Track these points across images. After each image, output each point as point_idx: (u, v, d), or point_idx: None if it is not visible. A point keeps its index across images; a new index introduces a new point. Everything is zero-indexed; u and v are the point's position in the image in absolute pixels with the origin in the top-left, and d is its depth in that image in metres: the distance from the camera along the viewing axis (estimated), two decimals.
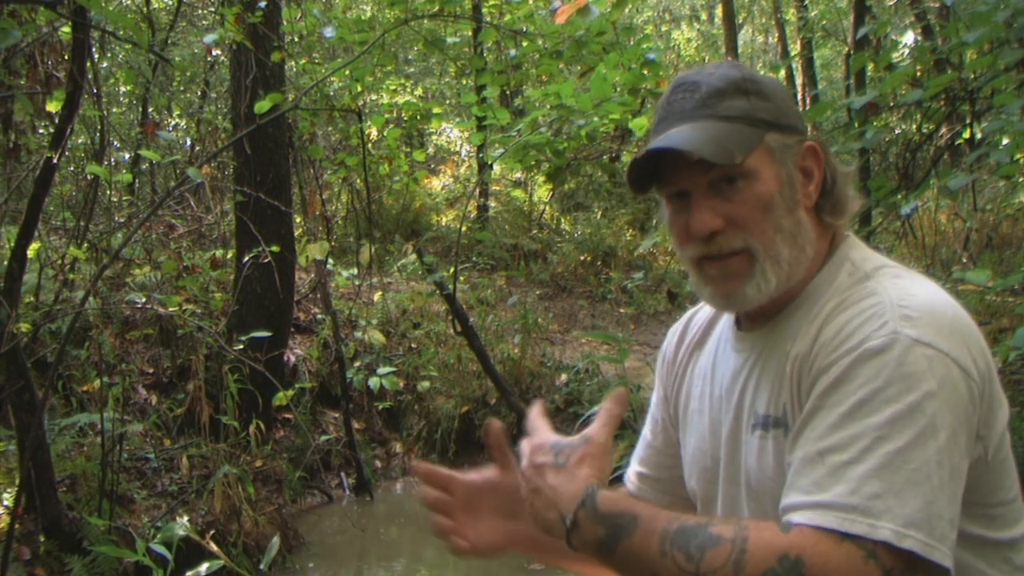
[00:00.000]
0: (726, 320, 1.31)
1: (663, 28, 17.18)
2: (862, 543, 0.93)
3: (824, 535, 0.95)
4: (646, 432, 1.46)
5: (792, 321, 1.17)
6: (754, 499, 1.18)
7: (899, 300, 1.05)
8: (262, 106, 4.27)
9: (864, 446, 0.97)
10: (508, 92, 9.81)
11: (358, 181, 8.77)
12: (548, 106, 4.83)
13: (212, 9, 8.71)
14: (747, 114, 1.14)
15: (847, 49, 10.31)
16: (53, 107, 4.84)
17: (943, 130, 5.15)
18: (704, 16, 18.93)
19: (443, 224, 11.39)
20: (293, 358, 6.46)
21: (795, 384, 1.11)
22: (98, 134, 6.81)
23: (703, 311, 1.40)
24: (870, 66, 6.68)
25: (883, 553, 0.93)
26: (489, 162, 6.94)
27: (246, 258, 5.51)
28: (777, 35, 16.10)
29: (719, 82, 1.16)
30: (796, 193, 1.16)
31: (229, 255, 6.66)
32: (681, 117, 1.16)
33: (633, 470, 1.46)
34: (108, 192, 7.04)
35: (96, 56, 6.96)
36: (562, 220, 11.85)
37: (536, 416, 1.20)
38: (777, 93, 1.19)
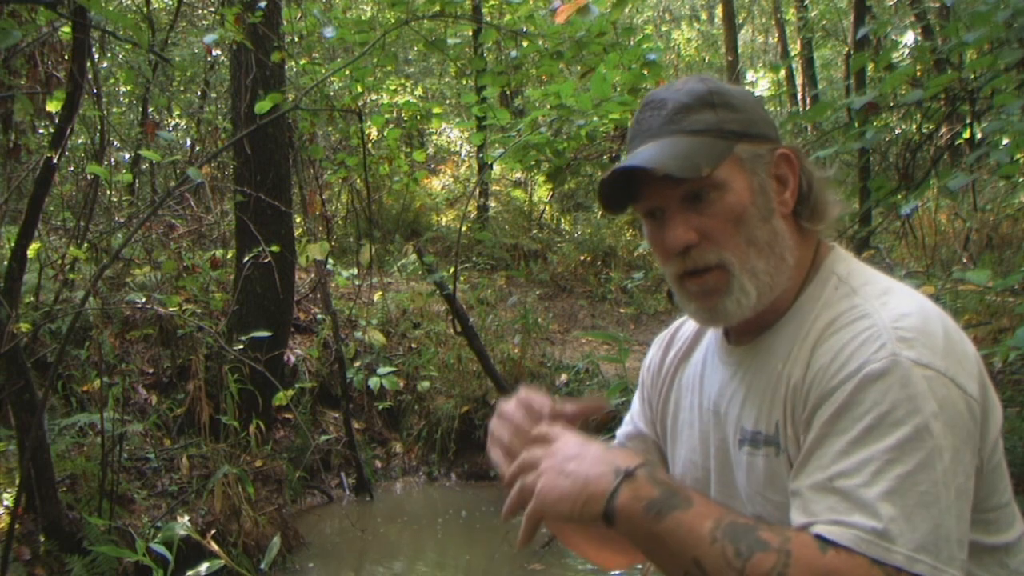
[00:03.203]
0: (714, 332, 1.31)
1: (663, 28, 17.18)
2: (888, 570, 0.94)
3: (856, 556, 0.95)
4: (621, 436, 1.46)
5: (780, 337, 1.17)
6: (745, 512, 1.19)
7: (892, 321, 1.05)
8: (262, 106, 4.27)
9: (874, 470, 0.98)
10: (508, 92, 9.82)
11: (358, 181, 8.77)
12: (548, 106, 4.83)
13: (212, 9, 8.71)
14: (715, 127, 1.15)
15: (847, 49, 10.31)
16: (53, 107, 4.84)
17: (943, 130, 5.15)
18: (704, 16, 18.93)
19: (443, 224, 11.40)
20: (293, 358, 6.46)
21: (789, 407, 1.11)
22: (98, 134, 6.81)
23: (690, 321, 1.39)
24: (870, 66, 6.68)
25: None
26: (489, 162, 6.94)
27: (246, 258, 5.51)
28: (777, 35, 16.11)
29: (685, 97, 1.17)
30: (770, 202, 1.16)
31: (229, 255, 6.66)
32: (649, 135, 1.16)
33: None
34: (108, 192, 7.04)
35: (96, 56, 6.96)
36: (562, 220, 11.86)
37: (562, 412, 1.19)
38: (746, 103, 1.19)
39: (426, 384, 6.84)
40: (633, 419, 1.45)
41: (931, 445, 0.98)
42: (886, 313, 1.07)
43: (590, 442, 1.08)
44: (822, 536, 0.97)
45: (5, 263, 4.27)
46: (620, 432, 1.47)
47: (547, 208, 11.96)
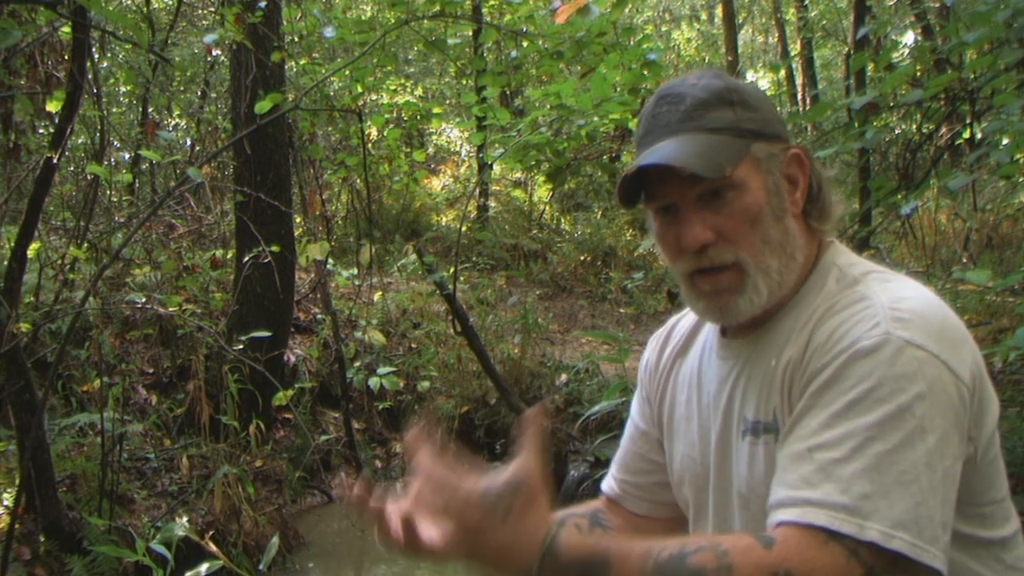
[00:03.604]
0: (710, 327, 1.31)
1: (663, 28, 17.17)
2: (847, 542, 0.93)
3: (810, 535, 0.94)
4: (625, 438, 1.46)
5: (780, 328, 1.17)
6: (744, 506, 1.18)
7: (890, 303, 1.05)
8: (262, 106, 4.27)
9: (854, 445, 0.97)
10: (508, 92, 9.82)
11: (358, 181, 8.77)
12: (548, 106, 4.83)
13: (212, 9, 8.71)
14: (733, 125, 1.14)
15: (847, 49, 10.31)
16: (53, 107, 4.84)
17: (943, 130, 5.15)
18: (704, 16, 18.93)
19: (443, 224, 11.40)
20: (293, 358, 6.46)
21: (787, 388, 1.11)
22: (98, 134, 6.81)
23: (686, 318, 1.40)
24: (870, 66, 6.68)
25: (866, 552, 0.93)
26: (489, 162, 6.94)
27: (246, 258, 5.50)
28: (777, 35, 16.10)
29: (703, 93, 1.16)
30: (783, 201, 1.16)
31: (229, 255, 6.66)
32: (667, 130, 1.15)
33: (614, 476, 1.46)
34: (108, 192, 7.04)
35: (96, 56, 6.96)
36: (562, 220, 11.86)
37: (424, 453, 1.01)
38: (761, 102, 1.19)
39: (426, 384, 6.83)
40: (635, 420, 1.45)
41: (913, 425, 0.97)
42: (885, 296, 1.07)
43: (486, 532, 0.94)
44: (787, 522, 0.96)
45: (5, 263, 4.27)
46: (624, 435, 1.47)
47: (547, 208, 11.96)
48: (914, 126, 5.11)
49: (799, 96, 14.83)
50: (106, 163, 6.91)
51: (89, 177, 6.59)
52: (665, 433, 1.37)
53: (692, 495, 1.30)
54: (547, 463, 0.98)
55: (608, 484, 1.46)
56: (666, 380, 1.38)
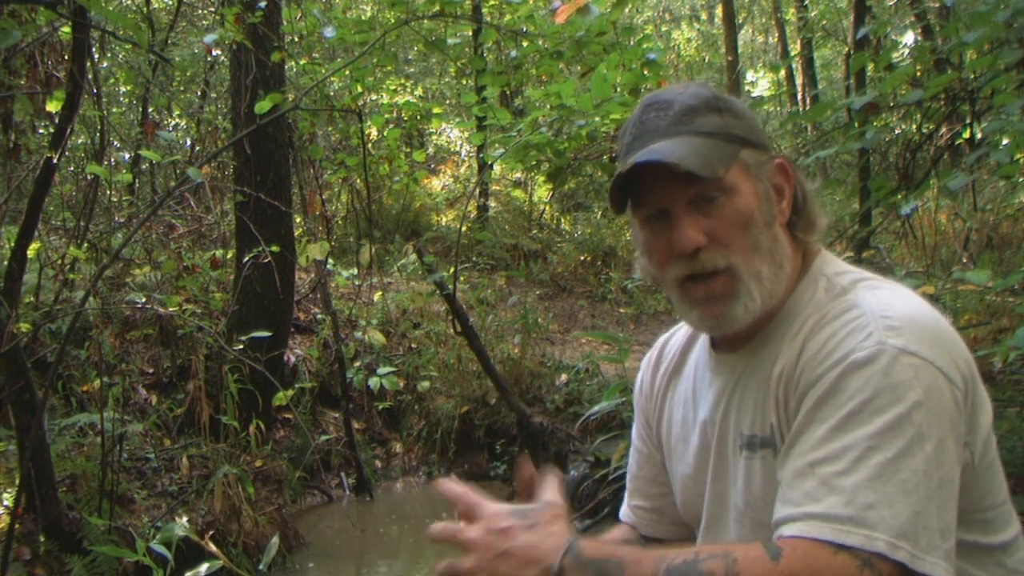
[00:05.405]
0: (701, 344, 1.31)
1: (663, 28, 17.18)
2: (857, 553, 0.94)
3: (818, 548, 0.94)
4: (632, 464, 1.46)
5: (771, 341, 1.17)
6: (740, 521, 1.18)
7: (881, 311, 1.05)
8: (262, 106, 4.27)
9: (855, 457, 0.97)
10: (508, 92, 9.81)
11: (358, 181, 8.77)
12: (548, 106, 4.83)
13: (212, 9, 8.71)
14: (722, 130, 1.15)
15: (847, 49, 10.31)
16: (53, 107, 4.84)
17: (943, 130, 5.14)
18: (704, 16, 18.93)
19: (443, 224, 11.40)
20: (293, 358, 6.46)
21: (782, 401, 1.11)
22: (98, 134, 6.81)
23: (676, 336, 1.39)
24: (870, 66, 6.68)
25: (878, 563, 0.93)
26: (489, 162, 6.94)
27: (246, 258, 5.51)
28: (777, 35, 16.10)
29: (691, 100, 1.16)
30: (773, 209, 1.16)
31: (229, 255, 6.66)
32: (657, 134, 1.15)
33: (628, 504, 1.46)
34: (108, 192, 7.05)
35: (96, 56, 6.96)
36: (562, 220, 11.85)
37: (463, 492, 1.10)
38: (746, 112, 1.20)
39: (426, 384, 6.83)
40: (637, 445, 1.45)
41: (912, 433, 0.97)
42: (875, 304, 1.07)
43: (513, 533, 1.03)
44: (792, 536, 0.96)
45: (5, 263, 4.27)
46: (630, 461, 1.47)
47: (547, 208, 11.95)
48: (914, 126, 5.11)
49: (799, 96, 14.83)
50: (106, 163, 6.91)
51: (89, 177, 6.59)
52: (666, 454, 1.37)
53: (694, 512, 1.30)
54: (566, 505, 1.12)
55: (624, 512, 1.47)
56: (662, 401, 1.38)
